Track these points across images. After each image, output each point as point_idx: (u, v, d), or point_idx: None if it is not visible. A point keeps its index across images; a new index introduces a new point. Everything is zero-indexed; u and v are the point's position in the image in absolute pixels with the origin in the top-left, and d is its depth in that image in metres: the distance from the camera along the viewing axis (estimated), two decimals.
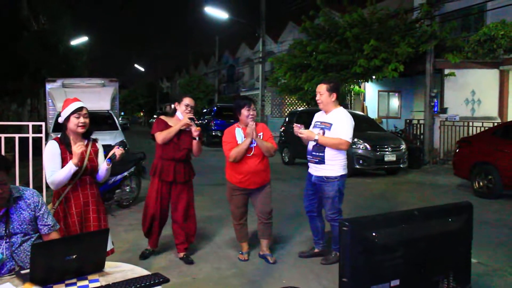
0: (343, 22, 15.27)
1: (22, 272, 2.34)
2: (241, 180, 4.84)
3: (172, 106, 5.33)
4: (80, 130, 3.45)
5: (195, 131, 4.77)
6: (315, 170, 4.83)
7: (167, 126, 4.83)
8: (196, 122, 4.81)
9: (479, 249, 5.24)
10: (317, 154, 4.74)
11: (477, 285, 4.37)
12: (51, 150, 3.40)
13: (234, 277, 4.59)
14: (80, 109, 3.44)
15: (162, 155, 4.84)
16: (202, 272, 4.71)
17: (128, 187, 7.69)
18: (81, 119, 3.43)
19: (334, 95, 4.73)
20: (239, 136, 4.85)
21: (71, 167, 3.33)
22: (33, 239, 2.73)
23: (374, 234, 2.21)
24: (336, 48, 14.93)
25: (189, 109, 4.88)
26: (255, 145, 4.81)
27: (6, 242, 2.65)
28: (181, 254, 5.03)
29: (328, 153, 4.66)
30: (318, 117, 4.97)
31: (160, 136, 4.75)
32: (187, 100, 4.90)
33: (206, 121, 23.15)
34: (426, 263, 2.38)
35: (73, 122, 3.42)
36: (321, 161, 4.71)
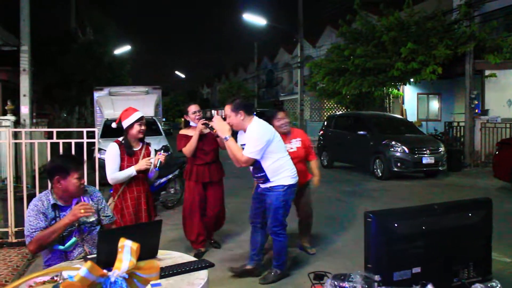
0: (380, 26, 15.33)
1: (89, 256, 2.71)
2: None
3: (207, 114, 5.75)
4: (140, 135, 4.04)
5: (215, 132, 5.04)
6: (262, 184, 4.59)
7: (187, 138, 5.25)
8: (210, 125, 5.02)
9: None
10: (259, 175, 4.47)
11: (510, 283, 4.47)
12: (112, 152, 4.00)
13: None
14: (141, 118, 4.02)
15: (194, 161, 5.29)
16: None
17: (172, 189, 8.13)
18: (142, 127, 4.02)
19: (241, 112, 4.35)
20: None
21: (132, 172, 3.97)
22: (97, 229, 3.14)
23: (396, 225, 2.45)
24: (373, 52, 14.99)
25: (198, 114, 5.27)
26: (294, 149, 5.18)
27: (78, 229, 3.08)
28: (203, 249, 5.48)
29: (269, 170, 4.38)
30: (239, 138, 4.61)
31: (186, 150, 5.23)
32: (192, 108, 5.31)
33: None
34: (446, 254, 2.58)
35: (136, 129, 3.99)
36: (266, 180, 4.44)
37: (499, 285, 2.15)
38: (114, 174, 3.98)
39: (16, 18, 9.30)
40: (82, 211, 2.92)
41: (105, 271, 1.77)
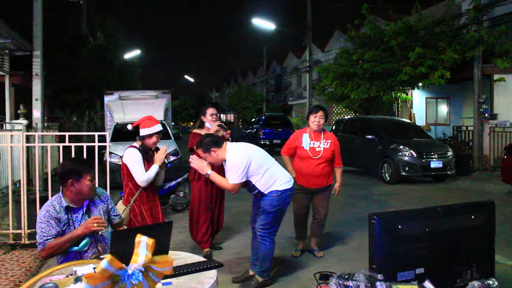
0: (388, 30, 15.36)
1: (101, 256, 2.80)
2: (301, 179, 5.24)
3: (219, 116, 5.95)
4: (154, 146, 4.33)
5: (226, 134, 5.38)
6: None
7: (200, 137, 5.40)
8: (225, 126, 5.42)
9: None
10: (254, 192, 4.50)
11: None
12: (137, 156, 4.24)
13: (282, 269, 4.96)
14: (160, 132, 4.30)
15: None
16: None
17: (182, 193, 8.21)
18: (158, 139, 4.31)
19: (213, 149, 4.27)
20: (306, 140, 5.33)
21: (156, 168, 4.24)
22: (109, 230, 3.25)
23: (400, 226, 2.51)
24: (382, 56, 15.01)
25: (215, 117, 5.49)
26: (321, 149, 5.31)
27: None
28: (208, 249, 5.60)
29: (261, 184, 4.39)
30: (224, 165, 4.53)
31: None
32: (211, 110, 5.54)
33: (254, 130, 23.67)
34: (449, 255, 2.64)
35: (153, 140, 4.26)
36: (262, 194, 4.44)
37: (496, 283, 2.20)
38: (146, 175, 4.20)
39: (29, 23, 9.46)
40: (96, 225, 3.04)
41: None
